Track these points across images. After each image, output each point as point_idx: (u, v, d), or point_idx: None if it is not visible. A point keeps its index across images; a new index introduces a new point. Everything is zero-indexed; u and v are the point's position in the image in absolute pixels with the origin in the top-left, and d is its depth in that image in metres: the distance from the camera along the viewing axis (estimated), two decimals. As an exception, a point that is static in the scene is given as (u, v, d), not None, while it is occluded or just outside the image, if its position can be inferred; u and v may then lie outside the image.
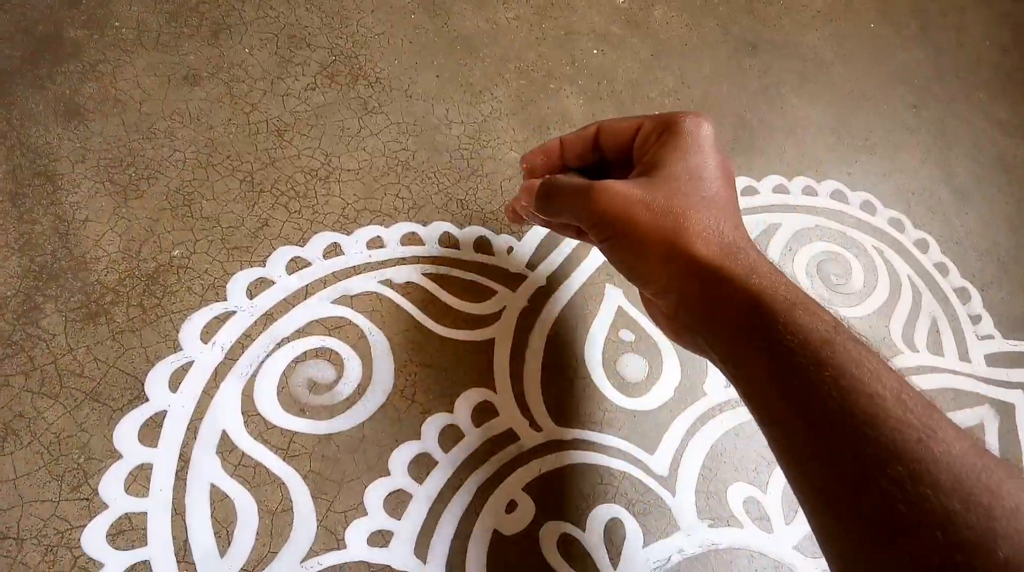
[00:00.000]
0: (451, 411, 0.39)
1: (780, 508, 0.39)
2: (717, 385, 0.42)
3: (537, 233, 0.45)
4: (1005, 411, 0.46)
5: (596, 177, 0.34)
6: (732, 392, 0.42)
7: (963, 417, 0.45)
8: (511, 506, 0.37)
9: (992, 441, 0.45)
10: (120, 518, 0.33)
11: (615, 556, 0.36)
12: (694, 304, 0.30)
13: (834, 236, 0.51)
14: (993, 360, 0.47)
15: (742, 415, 0.41)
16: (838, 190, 0.53)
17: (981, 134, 0.59)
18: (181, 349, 0.38)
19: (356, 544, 0.35)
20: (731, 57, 0.59)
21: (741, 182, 0.51)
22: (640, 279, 0.32)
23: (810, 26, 0.63)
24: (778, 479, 0.40)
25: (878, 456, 0.22)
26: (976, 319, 0.49)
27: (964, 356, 0.47)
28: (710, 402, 0.42)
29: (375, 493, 0.36)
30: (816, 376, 0.24)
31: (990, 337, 0.48)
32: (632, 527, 0.37)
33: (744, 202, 0.50)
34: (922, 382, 0.45)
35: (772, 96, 0.57)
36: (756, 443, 0.41)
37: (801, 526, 0.39)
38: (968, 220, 0.54)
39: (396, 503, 0.36)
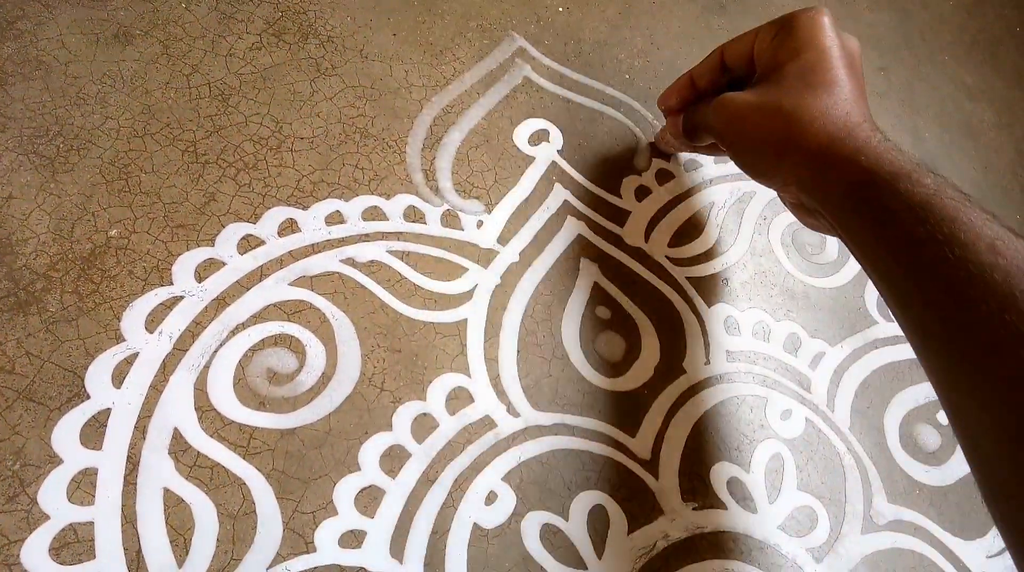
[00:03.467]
0: (424, 399, 0.37)
1: (763, 487, 0.38)
2: (697, 362, 0.41)
3: (506, 206, 0.43)
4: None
5: None
6: (712, 368, 0.41)
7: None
8: (491, 497, 0.35)
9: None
10: (64, 529, 0.30)
11: (599, 545, 0.35)
12: (811, 190, 0.33)
13: (808, 204, 0.49)
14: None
15: (723, 392, 0.40)
16: (810, 156, 0.52)
17: (947, 98, 0.58)
18: (124, 340, 0.34)
19: (327, 546, 0.32)
20: (700, 16, 0.56)
21: (714, 149, 0.50)
22: (762, 176, 0.36)
23: (778, -15, 0.61)
24: (760, 457, 0.39)
25: (970, 295, 0.25)
26: (947, 287, 0.48)
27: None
28: (690, 380, 0.40)
29: (345, 490, 0.34)
30: (916, 234, 0.27)
31: (961, 305, 0.48)
32: (616, 514, 0.36)
33: (718, 170, 0.48)
34: (896, 354, 0.45)
35: (742, 58, 0.55)
36: (737, 420, 0.40)
37: (785, 505, 0.38)
38: (937, 186, 0.53)
39: (368, 500, 0.34)
